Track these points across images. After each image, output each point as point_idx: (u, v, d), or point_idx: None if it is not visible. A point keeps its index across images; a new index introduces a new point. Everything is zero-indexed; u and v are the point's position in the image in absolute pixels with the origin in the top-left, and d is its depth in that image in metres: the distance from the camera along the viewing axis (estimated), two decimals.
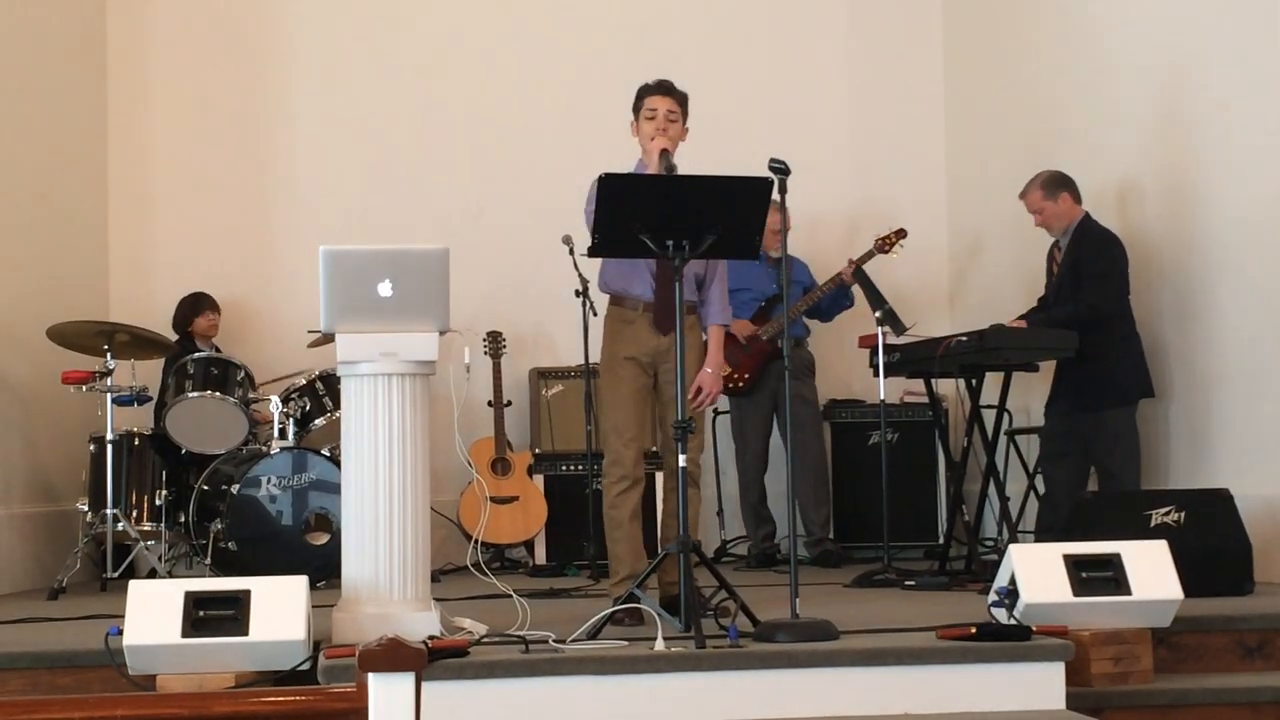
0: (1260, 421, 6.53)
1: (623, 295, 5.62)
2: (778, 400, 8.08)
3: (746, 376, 8.06)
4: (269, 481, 7.21)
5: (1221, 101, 6.79)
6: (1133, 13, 7.44)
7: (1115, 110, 7.56)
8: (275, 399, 7.49)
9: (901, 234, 8.12)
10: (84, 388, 7.21)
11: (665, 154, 5.45)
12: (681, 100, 5.63)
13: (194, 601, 4.63)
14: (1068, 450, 6.99)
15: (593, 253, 5.23)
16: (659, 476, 7.39)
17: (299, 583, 4.75)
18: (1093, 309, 6.82)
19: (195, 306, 8.24)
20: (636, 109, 5.65)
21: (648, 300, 5.56)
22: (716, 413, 8.38)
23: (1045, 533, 6.87)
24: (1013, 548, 5.06)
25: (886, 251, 8.10)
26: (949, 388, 7.80)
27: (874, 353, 7.25)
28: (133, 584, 4.72)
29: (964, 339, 6.81)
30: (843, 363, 8.59)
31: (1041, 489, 7.39)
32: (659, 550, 5.38)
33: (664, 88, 5.62)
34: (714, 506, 8.55)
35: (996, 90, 8.77)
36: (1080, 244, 6.99)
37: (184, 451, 7.49)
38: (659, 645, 4.61)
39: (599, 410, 5.82)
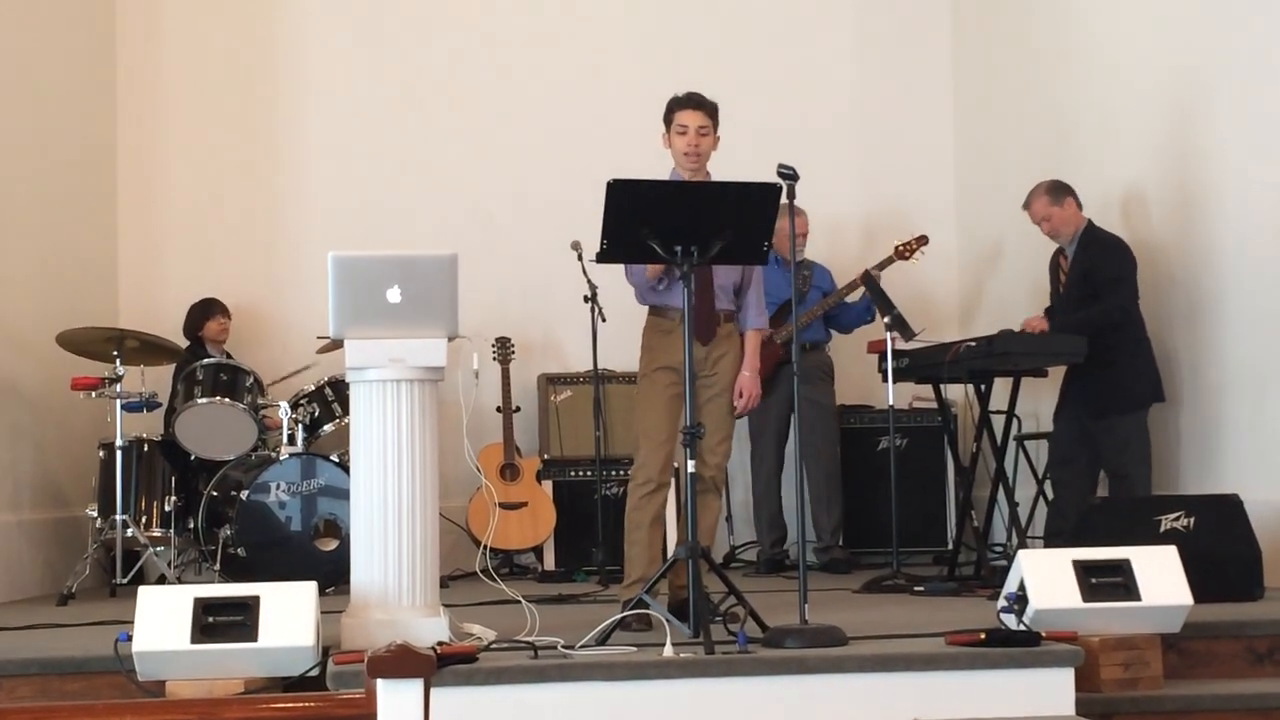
0: (1269, 427, 6.52)
1: (662, 307, 5.61)
2: (794, 404, 8.07)
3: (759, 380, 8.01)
4: (278, 487, 7.21)
5: (1230, 108, 6.79)
6: (1140, 20, 7.44)
7: (1123, 117, 7.56)
8: (284, 405, 7.50)
9: (923, 240, 8.09)
10: (93, 394, 7.21)
11: None
12: (712, 112, 5.63)
13: (203, 607, 4.64)
14: (1076, 455, 6.98)
15: (601, 259, 5.23)
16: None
17: (308, 589, 4.75)
18: (1122, 310, 6.82)
19: (206, 311, 8.24)
20: (668, 121, 5.66)
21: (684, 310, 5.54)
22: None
23: (1054, 538, 6.86)
24: (1022, 553, 5.05)
25: (907, 258, 8.07)
26: (958, 393, 7.81)
27: (883, 358, 7.25)
28: (142, 590, 4.73)
29: (973, 344, 6.81)
30: (852, 368, 8.57)
31: (1051, 494, 7.38)
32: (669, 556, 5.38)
33: (694, 101, 5.62)
34: (723, 512, 8.53)
35: (1005, 97, 8.77)
36: (1089, 252, 6.98)
37: (193, 457, 7.49)
38: (668, 651, 4.62)
39: (633, 416, 5.81)
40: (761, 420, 8.14)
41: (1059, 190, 7.06)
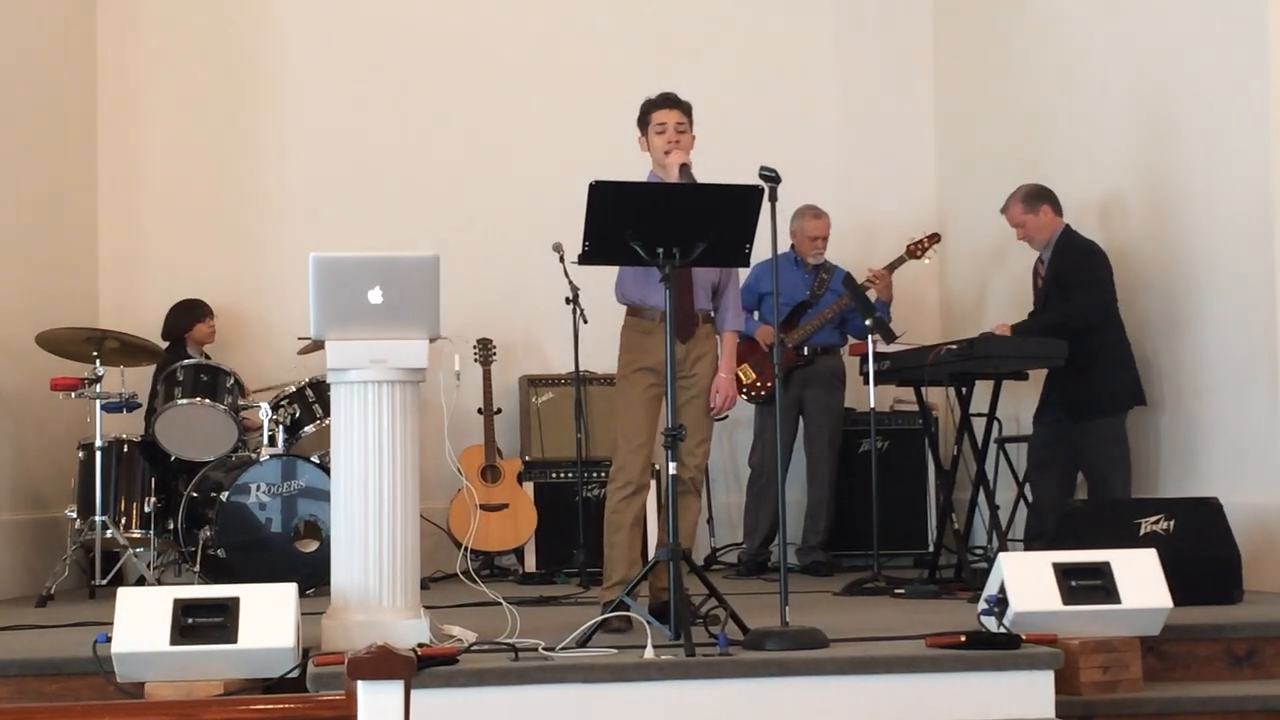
0: (1248, 430, 6.55)
1: (641, 306, 5.62)
2: (803, 407, 8.09)
3: (769, 385, 7.97)
4: (258, 489, 7.19)
5: (1206, 114, 6.81)
6: (1118, 29, 7.46)
7: (1101, 124, 7.58)
8: (265, 406, 7.48)
9: (935, 239, 8.05)
10: (73, 394, 7.19)
11: (685, 168, 5.46)
12: (688, 110, 5.65)
13: (183, 609, 4.63)
14: (1055, 459, 7.00)
15: (583, 260, 5.23)
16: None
17: (288, 590, 4.74)
18: (1082, 317, 6.83)
19: (195, 312, 8.17)
20: (644, 124, 5.66)
21: (665, 310, 5.54)
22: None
23: (1035, 541, 6.88)
24: (1002, 556, 5.07)
25: (919, 257, 8.04)
26: (939, 396, 7.81)
27: (864, 361, 7.26)
28: (121, 591, 4.71)
29: (954, 347, 6.82)
30: None
31: (1031, 497, 7.39)
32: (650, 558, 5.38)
33: (670, 100, 5.64)
34: (704, 514, 8.54)
35: (985, 105, 8.78)
36: (1062, 255, 7.01)
37: (173, 458, 7.47)
38: (648, 653, 4.62)
39: (613, 417, 5.81)
40: (769, 424, 8.12)
41: (1034, 197, 7.07)
